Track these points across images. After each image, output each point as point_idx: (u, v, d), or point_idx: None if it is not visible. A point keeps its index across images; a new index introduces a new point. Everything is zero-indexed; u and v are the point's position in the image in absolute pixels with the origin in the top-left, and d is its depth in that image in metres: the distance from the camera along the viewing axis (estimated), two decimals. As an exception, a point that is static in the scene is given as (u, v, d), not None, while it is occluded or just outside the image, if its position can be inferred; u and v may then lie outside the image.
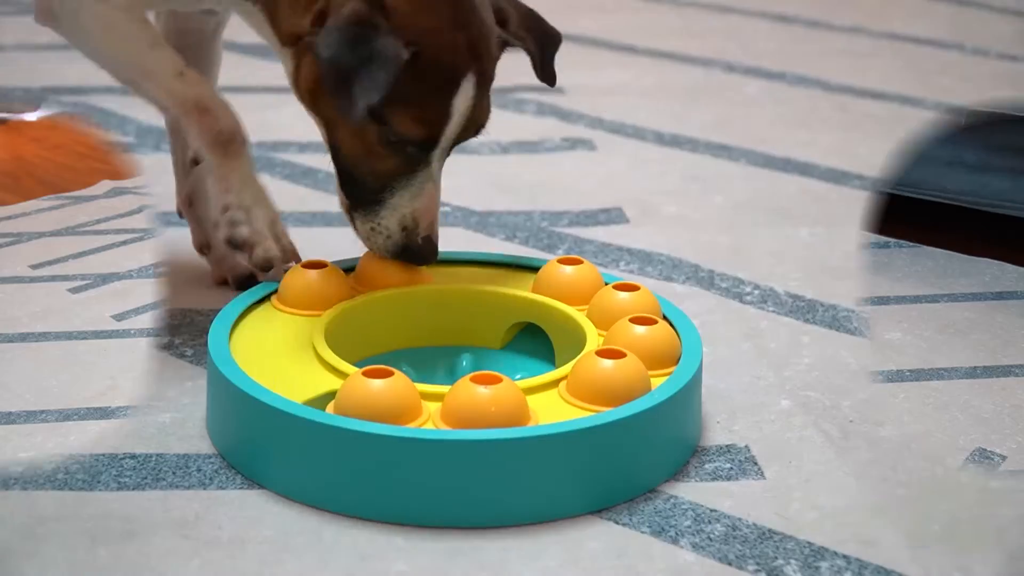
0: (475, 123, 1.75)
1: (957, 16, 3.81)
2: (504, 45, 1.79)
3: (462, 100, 1.70)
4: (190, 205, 2.04)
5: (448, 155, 1.76)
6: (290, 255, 1.84)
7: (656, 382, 1.62)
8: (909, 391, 1.83)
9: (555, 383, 1.63)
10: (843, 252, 2.27)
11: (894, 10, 3.85)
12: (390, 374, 1.56)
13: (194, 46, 1.97)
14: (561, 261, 1.85)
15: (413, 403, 1.56)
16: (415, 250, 1.76)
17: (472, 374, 1.57)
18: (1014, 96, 3.10)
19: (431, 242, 1.76)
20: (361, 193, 1.75)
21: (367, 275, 1.82)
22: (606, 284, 1.83)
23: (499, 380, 1.56)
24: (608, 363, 1.60)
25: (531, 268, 1.91)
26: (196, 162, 1.91)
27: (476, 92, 1.71)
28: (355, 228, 1.78)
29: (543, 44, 1.83)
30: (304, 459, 1.55)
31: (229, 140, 1.79)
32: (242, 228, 1.79)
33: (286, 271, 1.82)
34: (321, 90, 1.70)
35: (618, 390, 1.59)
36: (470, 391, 1.55)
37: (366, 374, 1.56)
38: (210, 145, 1.79)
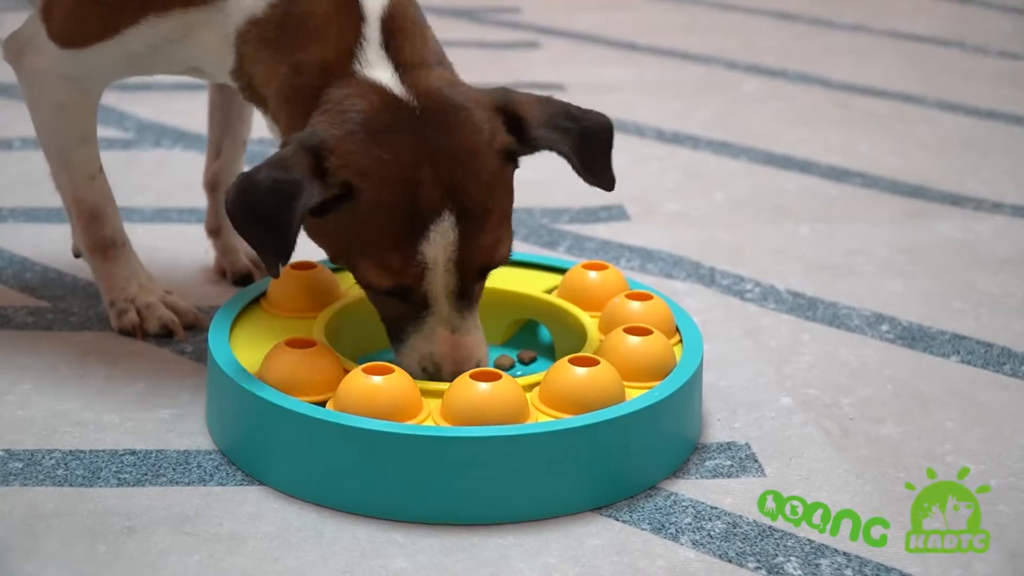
0: (476, 264, 1.58)
1: (958, 14, 3.81)
2: (512, 158, 1.60)
3: (438, 244, 1.54)
4: (213, 189, 2.05)
5: (469, 300, 1.61)
6: (191, 317, 1.91)
7: (632, 393, 1.60)
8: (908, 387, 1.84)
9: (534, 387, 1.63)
10: (844, 249, 2.27)
11: (896, 8, 3.85)
12: (390, 370, 1.56)
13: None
14: (586, 266, 1.84)
15: (413, 400, 1.56)
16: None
17: (471, 370, 1.57)
18: (1014, 94, 3.10)
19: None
20: (387, 330, 1.65)
21: (276, 300, 1.80)
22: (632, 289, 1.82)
23: (498, 376, 1.56)
24: (581, 371, 1.58)
25: (532, 265, 1.91)
26: (77, 255, 1.98)
27: (460, 231, 1.55)
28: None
29: (584, 140, 1.61)
30: (304, 455, 1.55)
31: (109, 245, 1.88)
32: (129, 314, 1.88)
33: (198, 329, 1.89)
34: (314, 227, 1.60)
35: (587, 399, 1.56)
36: (470, 388, 1.54)
37: (366, 371, 1.57)
38: (91, 249, 1.88)
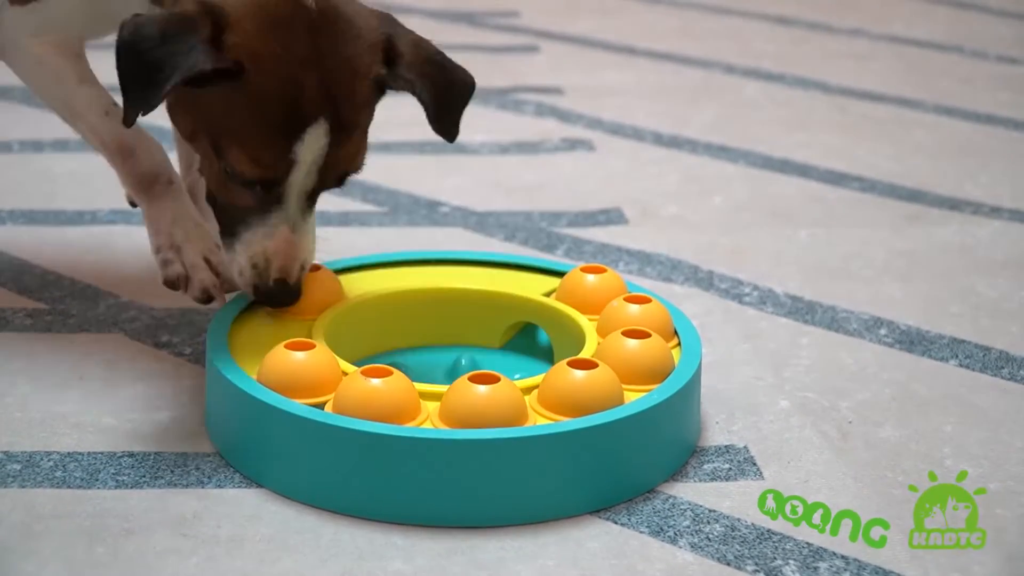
0: (335, 171, 1.64)
1: (957, 19, 3.81)
2: (382, 88, 1.64)
3: (310, 146, 1.59)
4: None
5: (313, 201, 1.66)
6: (229, 284, 1.80)
7: (631, 396, 1.60)
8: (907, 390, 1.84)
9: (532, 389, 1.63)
10: (842, 253, 2.27)
11: (894, 12, 3.85)
12: (389, 373, 1.56)
13: None
14: (584, 269, 1.84)
15: (412, 402, 1.56)
16: (266, 290, 1.66)
17: (471, 373, 1.57)
18: (1012, 99, 3.10)
19: (286, 286, 1.66)
20: (222, 221, 1.67)
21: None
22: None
23: (497, 379, 1.56)
24: (580, 374, 1.58)
25: (530, 268, 1.91)
26: (133, 203, 1.91)
27: (330, 140, 1.60)
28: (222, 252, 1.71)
29: (442, 93, 1.67)
30: (303, 458, 1.55)
31: (153, 181, 1.77)
32: (174, 266, 1.76)
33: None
34: (186, 99, 1.60)
35: (586, 401, 1.56)
36: (468, 390, 1.55)
37: (365, 373, 1.57)
38: (135, 187, 1.78)
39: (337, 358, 1.63)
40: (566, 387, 1.57)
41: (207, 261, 1.76)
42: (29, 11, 1.76)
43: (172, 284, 1.75)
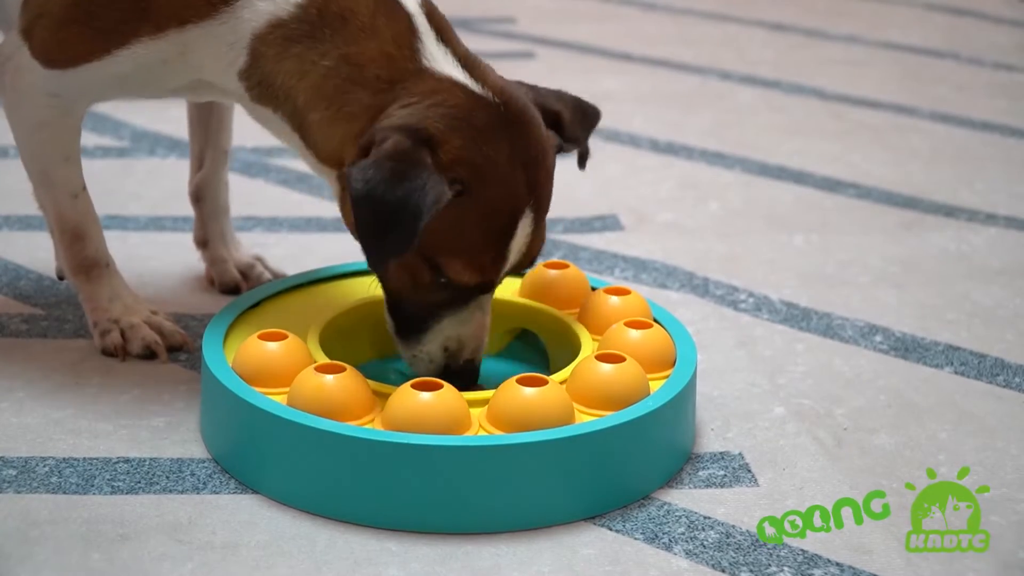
0: (529, 255, 1.64)
1: (953, 25, 3.81)
2: (560, 151, 1.67)
3: (519, 239, 1.60)
4: (197, 200, 2.04)
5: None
6: (177, 338, 1.86)
7: (654, 385, 1.63)
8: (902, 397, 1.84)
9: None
10: (837, 260, 2.27)
11: (890, 19, 3.86)
12: (341, 369, 1.58)
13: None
14: (547, 265, 1.85)
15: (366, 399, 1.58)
16: (456, 372, 1.64)
17: (519, 376, 1.58)
18: (1008, 106, 3.11)
19: (473, 365, 1.65)
20: (407, 320, 1.65)
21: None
22: (594, 289, 1.84)
23: (544, 382, 1.57)
24: (608, 367, 1.60)
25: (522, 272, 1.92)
26: (61, 277, 1.98)
27: (533, 226, 1.61)
28: (400, 350, 1.69)
29: (588, 132, 1.72)
30: (298, 464, 1.55)
31: (92, 266, 1.85)
32: (112, 335, 1.85)
33: (183, 350, 1.86)
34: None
35: (618, 394, 1.59)
36: (515, 392, 1.56)
37: (319, 369, 1.57)
38: (74, 269, 1.86)
39: (309, 348, 1.65)
40: (596, 382, 1.59)
41: (147, 324, 1.85)
42: (56, 75, 1.72)
43: (110, 352, 1.85)
